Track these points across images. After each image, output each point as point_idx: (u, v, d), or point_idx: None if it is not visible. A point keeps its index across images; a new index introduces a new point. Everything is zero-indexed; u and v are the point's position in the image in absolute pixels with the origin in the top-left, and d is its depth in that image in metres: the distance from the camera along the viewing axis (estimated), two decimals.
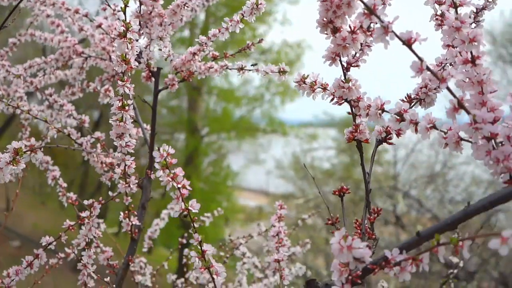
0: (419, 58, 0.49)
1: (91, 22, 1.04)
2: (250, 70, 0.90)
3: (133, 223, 0.93)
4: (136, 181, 0.87)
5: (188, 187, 0.59)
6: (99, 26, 1.01)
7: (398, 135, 0.64)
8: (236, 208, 10.88)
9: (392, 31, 0.48)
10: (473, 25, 0.70)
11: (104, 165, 0.98)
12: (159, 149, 0.57)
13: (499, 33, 8.01)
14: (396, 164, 6.49)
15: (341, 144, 9.69)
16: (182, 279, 1.41)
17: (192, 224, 0.61)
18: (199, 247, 0.62)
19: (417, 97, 0.66)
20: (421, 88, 0.66)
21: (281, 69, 0.81)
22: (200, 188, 10.34)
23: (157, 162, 0.58)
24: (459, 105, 0.49)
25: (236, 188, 11.52)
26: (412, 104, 0.66)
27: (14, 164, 0.65)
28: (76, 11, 1.05)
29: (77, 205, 1.00)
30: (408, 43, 0.49)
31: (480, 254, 6.05)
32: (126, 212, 0.92)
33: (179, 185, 0.59)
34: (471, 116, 0.48)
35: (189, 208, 0.60)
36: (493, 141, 0.51)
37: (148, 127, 1.08)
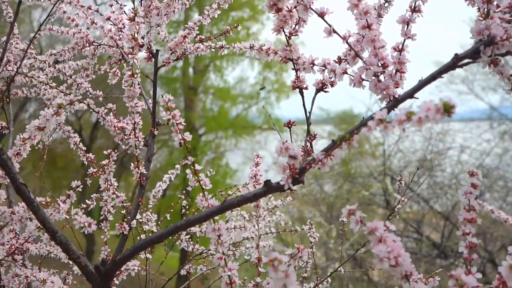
0: (329, 25, 0.75)
1: (101, 16, 1.29)
2: (228, 47, 1.16)
3: (141, 171, 1.19)
4: (143, 136, 1.13)
5: (183, 123, 0.85)
6: (108, 18, 1.27)
7: (332, 85, 0.90)
8: None
9: (310, 8, 0.74)
10: (387, 4, 0.95)
11: (116, 129, 1.24)
12: (162, 96, 0.83)
13: None
14: (385, 151, 6.77)
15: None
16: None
17: (186, 150, 0.87)
18: (192, 167, 0.88)
19: (345, 58, 0.91)
20: (347, 51, 0.91)
21: (251, 45, 1.06)
22: (199, 187, 10.57)
23: (161, 105, 0.83)
24: (356, 55, 0.75)
25: (235, 186, 11.74)
26: (342, 63, 0.92)
27: (57, 116, 0.91)
28: (89, 8, 1.30)
29: (95, 163, 1.26)
30: (321, 15, 0.74)
31: None
32: (136, 162, 1.18)
33: (177, 121, 0.84)
34: (363, 61, 0.74)
35: (185, 137, 0.86)
36: (383, 77, 0.77)
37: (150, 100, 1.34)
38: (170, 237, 1.65)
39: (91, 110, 1.24)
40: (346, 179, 6.88)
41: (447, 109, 0.52)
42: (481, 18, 0.68)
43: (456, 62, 0.68)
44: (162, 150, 11.29)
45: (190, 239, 1.64)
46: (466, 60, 0.69)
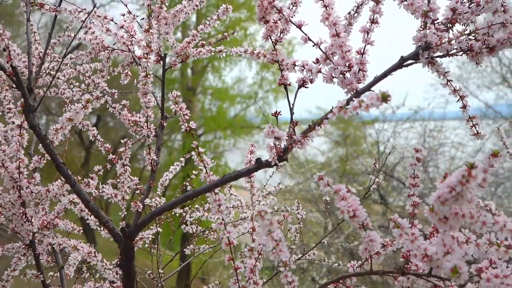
0: (305, 34, 0.94)
1: (116, 24, 1.49)
2: (225, 51, 1.36)
3: (153, 158, 1.39)
4: (155, 127, 1.33)
5: (188, 114, 1.05)
6: (122, 27, 1.47)
7: (311, 82, 1.10)
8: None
9: (290, 20, 0.94)
10: (356, 14, 1.15)
11: (130, 121, 1.44)
12: (171, 92, 1.03)
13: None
14: (379, 147, 6.97)
15: (336, 137, 10.17)
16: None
17: (191, 136, 1.07)
18: (196, 149, 1.07)
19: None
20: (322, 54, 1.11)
21: (245, 50, 1.26)
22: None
23: (170, 100, 1.03)
24: (326, 57, 0.95)
25: (234, 186, 11.94)
26: (319, 64, 1.11)
27: (85, 109, 1.10)
28: (105, 17, 1.50)
29: (111, 152, 1.46)
30: (299, 26, 0.94)
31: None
32: (148, 150, 1.38)
33: (184, 112, 1.04)
34: (332, 62, 0.94)
35: (190, 125, 1.05)
36: (348, 75, 0.97)
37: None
38: (177, 217, 1.85)
39: (108, 105, 1.44)
40: (342, 175, 7.09)
41: (384, 98, 0.72)
42: (420, 29, 0.88)
43: (402, 62, 0.88)
44: (162, 151, 11.43)
45: (194, 222, 1.84)
46: (410, 61, 0.89)
